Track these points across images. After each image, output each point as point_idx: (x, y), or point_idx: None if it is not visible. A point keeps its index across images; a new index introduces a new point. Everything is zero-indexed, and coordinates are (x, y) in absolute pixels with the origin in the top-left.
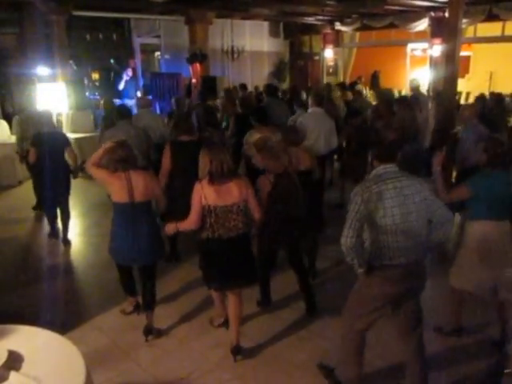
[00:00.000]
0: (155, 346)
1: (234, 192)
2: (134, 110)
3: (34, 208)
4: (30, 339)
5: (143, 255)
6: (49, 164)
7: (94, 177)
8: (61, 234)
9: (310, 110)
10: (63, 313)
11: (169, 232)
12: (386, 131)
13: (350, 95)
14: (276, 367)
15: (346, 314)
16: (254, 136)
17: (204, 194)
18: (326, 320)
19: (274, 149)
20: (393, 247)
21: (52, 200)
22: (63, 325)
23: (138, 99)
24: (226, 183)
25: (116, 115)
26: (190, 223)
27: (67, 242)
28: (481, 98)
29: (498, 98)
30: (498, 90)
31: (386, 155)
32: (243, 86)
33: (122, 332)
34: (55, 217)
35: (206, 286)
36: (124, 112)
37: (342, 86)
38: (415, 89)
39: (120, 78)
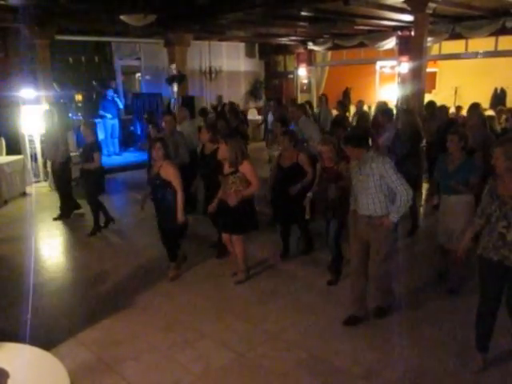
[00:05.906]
0: (139, 359)
1: None
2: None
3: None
4: (15, 355)
5: None
6: None
7: None
8: None
9: None
10: (48, 329)
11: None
12: None
13: None
14: (257, 378)
15: None
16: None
17: None
18: (305, 333)
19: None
20: None
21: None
22: (48, 341)
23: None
24: None
25: None
26: None
27: None
28: None
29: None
30: (462, 103)
31: None
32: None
33: (107, 347)
34: None
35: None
36: None
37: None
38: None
39: (103, 98)
